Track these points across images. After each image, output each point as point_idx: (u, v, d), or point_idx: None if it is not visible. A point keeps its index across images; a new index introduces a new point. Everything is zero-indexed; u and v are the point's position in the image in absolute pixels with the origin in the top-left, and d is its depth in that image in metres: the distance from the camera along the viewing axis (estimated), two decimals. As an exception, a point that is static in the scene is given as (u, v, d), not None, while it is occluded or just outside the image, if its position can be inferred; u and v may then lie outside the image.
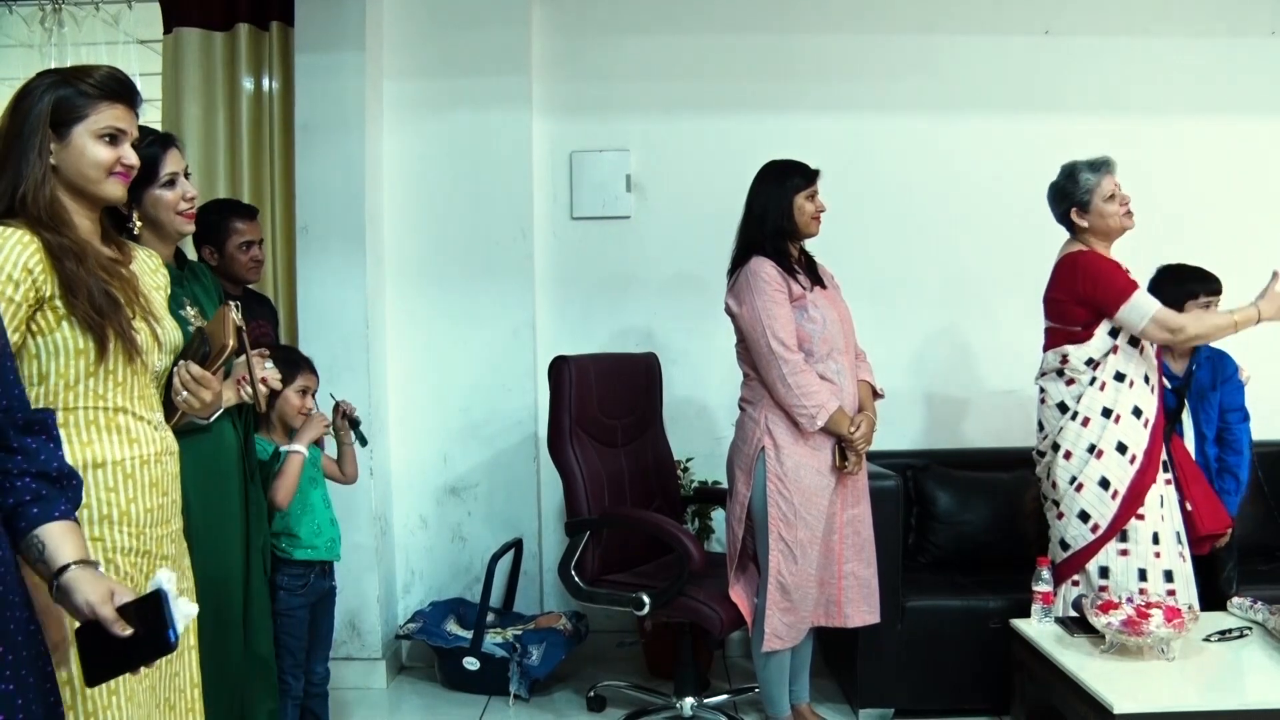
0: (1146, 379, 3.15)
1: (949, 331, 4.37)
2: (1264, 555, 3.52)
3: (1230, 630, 2.82)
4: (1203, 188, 4.28)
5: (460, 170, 4.21)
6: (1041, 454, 3.28)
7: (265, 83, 4.13)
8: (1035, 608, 3.02)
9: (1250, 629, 2.83)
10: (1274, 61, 4.36)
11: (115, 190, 1.92)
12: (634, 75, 4.31)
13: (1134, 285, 3.10)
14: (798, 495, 3.13)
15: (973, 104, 4.34)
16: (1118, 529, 3.07)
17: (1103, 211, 3.15)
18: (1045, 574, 3.06)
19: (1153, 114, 4.29)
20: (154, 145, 2.23)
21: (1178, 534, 3.13)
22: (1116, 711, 2.41)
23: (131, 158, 1.92)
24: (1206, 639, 2.78)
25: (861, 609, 3.26)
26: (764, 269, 3.15)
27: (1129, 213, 3.16)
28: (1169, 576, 3.06)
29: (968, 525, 3.89)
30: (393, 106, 4.19)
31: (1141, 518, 3.08)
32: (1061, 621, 2.98)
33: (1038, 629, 2.96)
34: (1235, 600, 3.06)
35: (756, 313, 3.12)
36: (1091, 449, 3.11)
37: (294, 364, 3.00)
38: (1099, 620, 2.74)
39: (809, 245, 3.33)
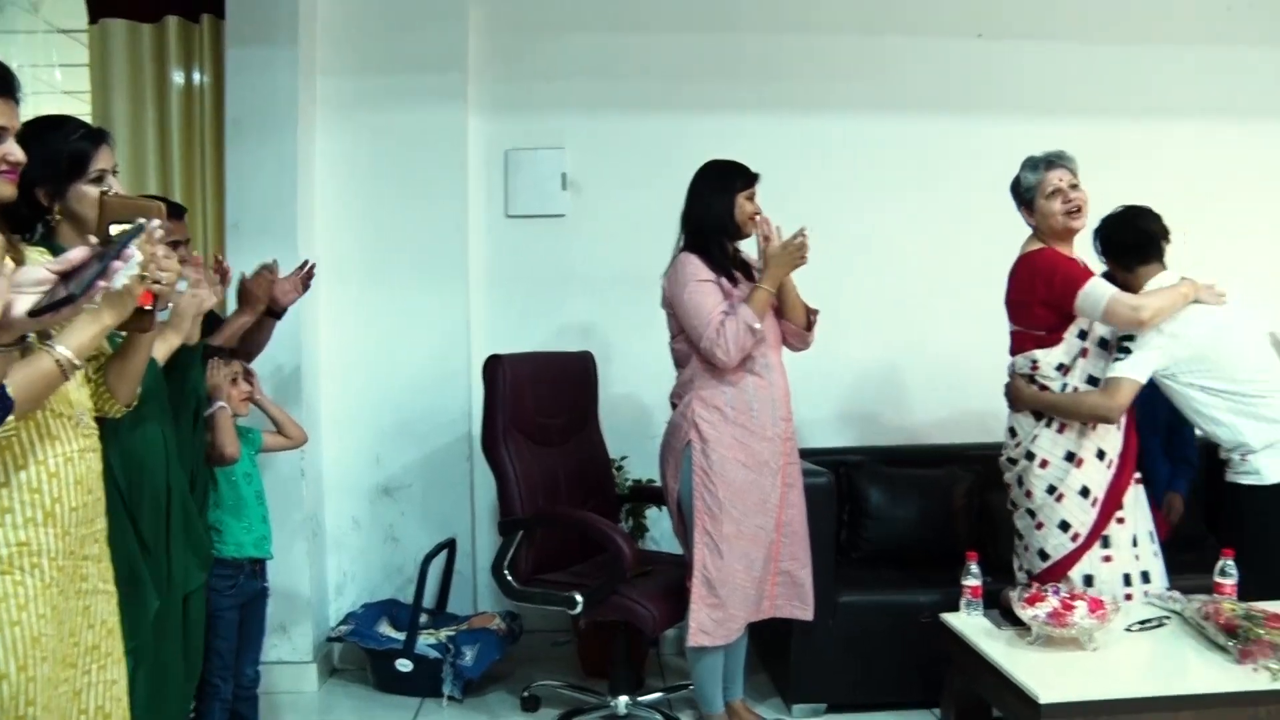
0: None
1: (883, 330, 4.42)
2: (1188, 546, 3.60)
3: (1150, 620, 2.88)
4: (1135, 188, 4.34)
5: (395, 168, 4.17)
6: (1013, 461, 3.20)
7: (195, 77, 4.07)
8: (964, 601, 3.05)
9: (1169, 618, 2.89)
10: (1197, 66, 4.49)
11: (5, 190, 1.79)
12: (570, 73, 4.31)
13: (1088, 274, 3.01)
14: (723, 489, 3.14)
15: (909, 104, 4.41)
16: (1097, 536, 3.04)
17: (1043, 210, 3.08)
18: (974, 568, 3.07)
19: (1083, 116, 4.37)
20: (85, 140, 2.14)
21: (1150, 533, 3.15)
22: (1042, 701, 2.44)
23: (16, 154, 1.78)
24: (1128, 629, 2.83)
25: (793, 603, 3.29)
26: (693, 261, 3.20)
27: (1072, 212, 3.05)
28: (1146, 577, 3.09)
29: (899, 521, 3.93)
30: (326, 103, 4.14)
31: (1122, 521, 3.06)
32: (991, 615, 3.02)
33: (966, 622, 2.98)
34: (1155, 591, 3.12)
35: (691, 295, 3.17)
36: (1070, 457, 3.05)
37: (222, 355, 2.96)
38: (1026, 613, 2.78)
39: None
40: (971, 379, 4.07)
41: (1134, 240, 3.21)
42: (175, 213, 3.23)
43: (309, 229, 4.02)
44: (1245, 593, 2.89)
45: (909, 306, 4.40)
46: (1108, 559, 3.07)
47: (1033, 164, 3.12)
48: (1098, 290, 2.97)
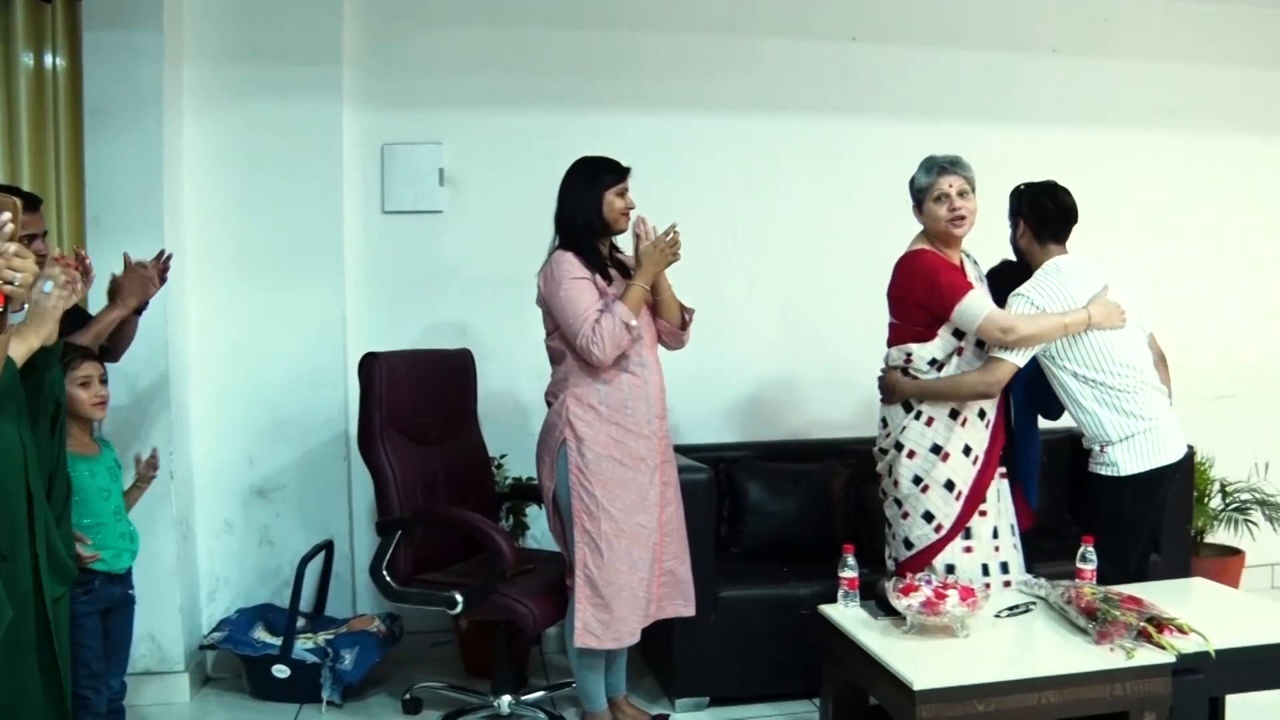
0: None
1: (765, 328, 4.49)
2: (1049, 535, 3.76)
3: (1017, 606, 2.99)
4: (1001, 192, 4.51)
5: (267, 161, 4.04)
6: (884, 451, 3.29)
7: (48, 60, 3.84)
8: (841, 593, 3.11)
9: (1035, 604, 3.01)
10: (1052, 76, 4.68)
11: None
12: (448, 68, 4.25)
13: (967, 287, 3.11)
14: (599, 487, 3.15)
15: (783, 105, 4.47)
16: (960, 528, 3.15)
17: (930, 212, 3.16)
18: (850, 560, 3.13)
19: (956, 119, 4.49)
20: None
21: (1011, 526, 3.27)
22: (916, 688, 2.51)
23: None
24: (997, 615, 2.93)
25: (676, 602, 3.32)
26: (567, 258, 3.19)
27: (955, 219, 3.12)
28: (1005, 568, 3.21)
29: (778, 516, 3.99)
30: (194, 92, 3.98)
31: (984, 514, 3.17)
32: (868, 605, 3.08)
33: (843, 613, 3.05)
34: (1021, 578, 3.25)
35: (566, 293, 3.15)
36: (936, 450, 3.15)
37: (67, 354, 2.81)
38: (900, 603, 2.85)
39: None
40: (851, 374, 4.17)
41: (1055, 212, 3.31)
42: (31, 204, 3.07)
43: (177, 223, 3.87)
44: (1102, 577, 3.03)
45: (791, 304, 4.48)
46: (969, 549, 3.19)
47: (928, 166, 3.19)
48: (974, 307, 3.07)
